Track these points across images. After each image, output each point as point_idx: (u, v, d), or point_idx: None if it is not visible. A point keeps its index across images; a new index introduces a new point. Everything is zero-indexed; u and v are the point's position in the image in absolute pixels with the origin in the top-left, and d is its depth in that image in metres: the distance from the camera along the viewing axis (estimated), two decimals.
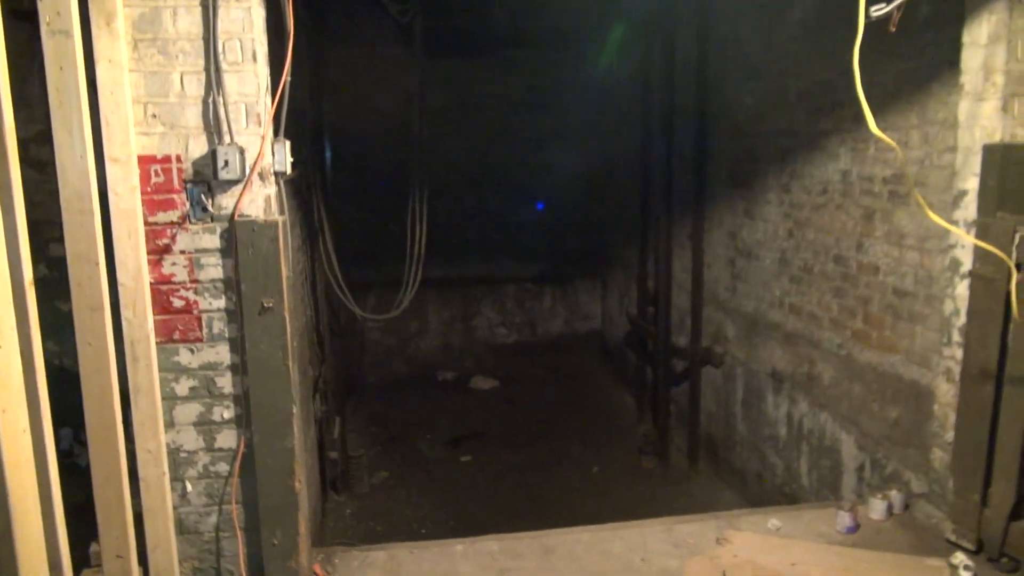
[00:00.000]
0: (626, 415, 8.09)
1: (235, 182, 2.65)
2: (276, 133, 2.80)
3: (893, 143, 3.05)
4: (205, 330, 2.78)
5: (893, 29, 2.43)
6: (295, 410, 2.91)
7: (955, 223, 3.18)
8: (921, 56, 3.81)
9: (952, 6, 3.43)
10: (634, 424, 7.84)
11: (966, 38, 3.09)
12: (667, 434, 6.84)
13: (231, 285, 2.75)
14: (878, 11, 2.37)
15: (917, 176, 3.86)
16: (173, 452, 2.91)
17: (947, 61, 3.61)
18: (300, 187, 5.65)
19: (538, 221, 9.67)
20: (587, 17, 6.71)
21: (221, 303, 2.78)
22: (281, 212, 2.89)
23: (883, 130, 4.14)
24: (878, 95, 4.12)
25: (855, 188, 4.39)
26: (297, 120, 5.57)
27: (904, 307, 4.00)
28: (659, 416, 7.01)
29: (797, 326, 5.09)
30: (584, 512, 5.81)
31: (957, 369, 3.18)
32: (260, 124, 2.67)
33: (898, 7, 2.33)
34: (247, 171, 2.66)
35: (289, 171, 2.82)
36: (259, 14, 2.69)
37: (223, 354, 2.83)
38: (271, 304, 2.75)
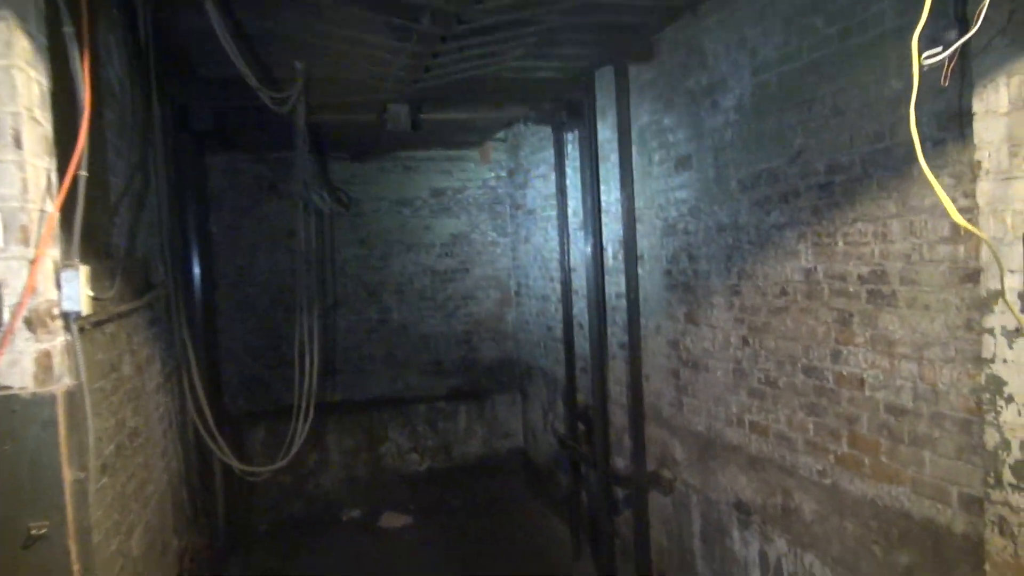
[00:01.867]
0: (560, 550, 7.10)
1: None
2: (68, 255, 1.87)
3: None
4: None
5: (945, 83, 1.81)
6: None
7: (987, 334, 2.53)
8: (894, 134, 3.28)
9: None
10: (570, 560, 6.86)
11: (977, 107, 2.53)
12: None
13: None
14: (930, 58, 1.74)
15: (903, 274, 3.27)
16: None
17: (929, 139, 3.09)
18: (158, 313, 4.62)
19: (448, 332, 8.82)
20: (491, 108, 6.11)
21: None
22: (73, 376, 1.93)
23: (852, 221, 3.58)
24: (842, 182, 3.58)
25: (823, 289, 3.77)
26: (150, 232, 4.59)
27: (903, 428, 3.33)
28: (600, 555, 6.07)
29: (763, 448, 4.36)
30: None
31: (1015, 520, 2.46)
32: (28, 242, 1.75)
33: (951, 56, 1.71)
34: (3, 318, 1.72)
35: (86, 310, 1.89)
36: (28, 79, 1.81)
37: None
38: (43, 530, 1.75)
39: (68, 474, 1.75)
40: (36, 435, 1.72)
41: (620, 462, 6.10)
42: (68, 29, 1.90)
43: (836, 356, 3.70)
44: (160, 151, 4.66)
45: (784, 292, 4.06)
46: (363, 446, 8.52)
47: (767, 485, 4.34)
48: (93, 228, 3.38)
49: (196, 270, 5.15)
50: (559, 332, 7.37)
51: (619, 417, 6.14)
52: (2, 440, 1.69)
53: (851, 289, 3.58)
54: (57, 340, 1.87)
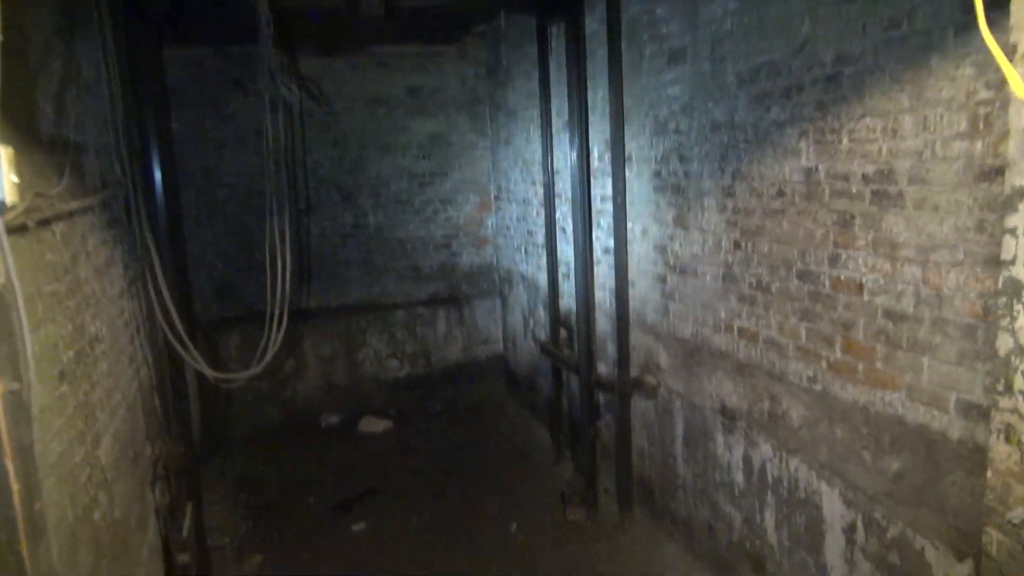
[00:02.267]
0: (541, 454, 7.12)
1: None
2: None
3: None
4: None
5: None
6: None
7: (1008, 235, 2.36)
8: (912, 21, 3.02)
9: None
10: (552, 464, 6.89)
11: None
12: (594, 480, 5.90)
13: None
14: None
15: (912, 173, 3.07)
16: None
17: (952, 24, 2.84)
18: (117, 214, 4.33)
19: (427, 237, 8.57)
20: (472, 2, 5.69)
21: None
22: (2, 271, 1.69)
23: (860, 117, 3.36)
24: (852, 74, 3.33)
25: (824, 189, 3.58)
26: (104, 128, 4.25)
27: (902, 333, 3.21)
28: (582, 458, 6.08)
29: (752, 355, 4.26)
30: None
31: (1023, 426, 2.36)
32: None
33: None
34: None
35: (11, 198, 1.64)
36: None
37: None
38: None
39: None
40: None
41: (603, 368, 6.02)
42: None
43: (834, 260, 3.54)
44: (110, 36, 4.25)
45: (781, 193, 3.87)
46: (341, 352, 8.40)
47: (754, 391, 4.27)
48: (30, 114, 3.06)
49: (156, 169, 4.82)
50: (540, 237, 7.17)
51: (603, 323, 6.03)
52: None
53: (854, 190, 3.39)
54: None
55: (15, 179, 1.66)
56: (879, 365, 3.35)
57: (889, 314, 3.27)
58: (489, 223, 8.79)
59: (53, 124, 3.39)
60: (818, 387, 3.75)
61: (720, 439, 4.66)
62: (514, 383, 8.69)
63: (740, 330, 4.36)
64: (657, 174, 5.10)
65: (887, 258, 3.24)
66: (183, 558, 4.36)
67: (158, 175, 4.85)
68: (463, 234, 8.70)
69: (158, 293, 4.44)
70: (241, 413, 8.01)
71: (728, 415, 4.55)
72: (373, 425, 7.99)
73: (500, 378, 8.92)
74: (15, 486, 1.56)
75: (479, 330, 8.85)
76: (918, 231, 3.07)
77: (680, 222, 4.88)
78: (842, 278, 3.51)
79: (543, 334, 7.37)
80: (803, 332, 3.82)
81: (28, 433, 1.64)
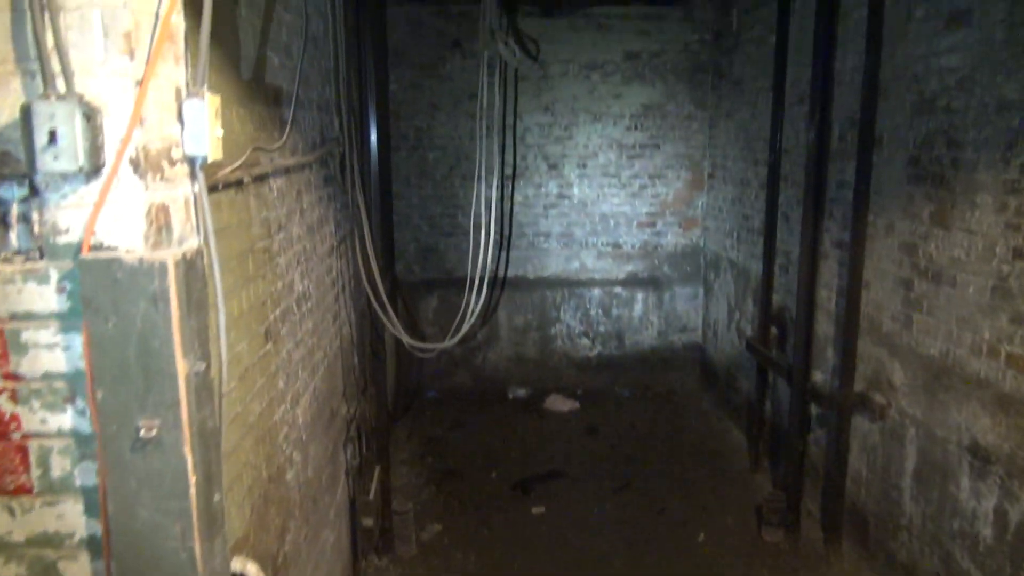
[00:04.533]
0: (736, 458, 6.57)
1: (78, 178, 1.32)
2: (195, 81, 1.45)
3: None
4: (36, 472, 1.48)
5: None
6: None
7: None
8: None
9: None
10: (747, 471, 6.32)
11: None
12: (798, 500, 5.30)
13: (85, 387, 1.43)
14: None
15: None
16: None
17: None
18: (332, 171, 4.35)
19: (631, 213, 8.16)
20: None
21: (67, 420, 1.47)
22: (198, 235, 1.54)
23: None
24: None
25: None
26: (326, 82, 4.25)
27: None
28: (785, 473, 5.48)
29: (1023, 388, 3.49)
30: None
31: None
32: (133, 55, 1.32)
33: None
34: (102, 155, 1.33)
35: (213, 155, 1.48)
36: None
37: (72, 519, 1.51)
38: (153, 431, 1.42)
39: (183, 365, 1.39)
40: (144, 313, 1.36)
41: (819, 376, 5.36)
42: None
43: None
44: None
45: None
46: (533, 326, 8.26)
47: (1020, 433, 3.51)
48: (258, 65, 3.02)
49: (373, 127, 4.81)
50: (758, 222, 6.52)
51: (823, 326, 5.35)
52: (106, 315, 1.36)
53: None
54: (178, 191, 1.49)
55: (220, 132, 1.51)
56: None
57: None
58: (699, 203, 8.21)
59: (279, 76, 3.37)
60: None
61: (966, 482, 3.92)
62: (711, 377, 8.12)
63: (1010, 357, 3.60)
64: (914, 160, 4.34)
65: None
66: (367, 522, 4.39)
67: (374, 135, 4.85)
68: (670, 213, 8.20)
69: (364, 255, 4.43)
70: (433, 375, 8.13)
71: (980, 456, 3.80)
72: (560, 403, 7.80)
73: (696, 369, 8.39)
74: (193, 477, 1.42)
75: (678, 316, 8.35)
76: None
77: (939, 220, 4.12)
78: None
79: (749, 329, 6.75)
80: None
81: (213, 417, 1.51)
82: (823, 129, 5.00)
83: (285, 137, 3.36)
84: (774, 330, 6.16)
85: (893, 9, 4.47)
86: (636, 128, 8.01)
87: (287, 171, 3.44)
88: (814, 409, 5.43)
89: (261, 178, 3.04)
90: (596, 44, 7.80)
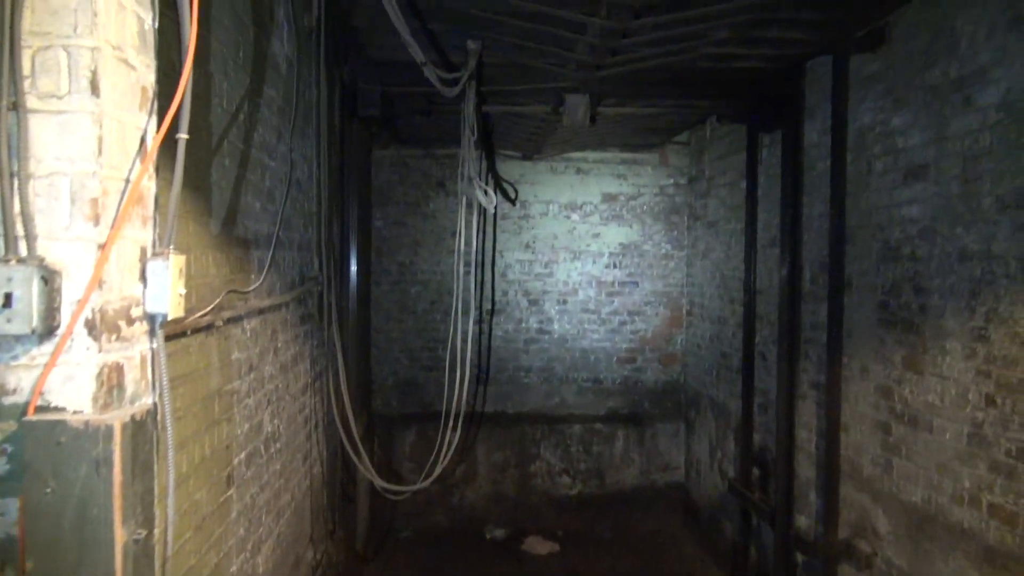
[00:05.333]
0: None
1: (31, 339, 1.32)
2: (162, 241, 1.47)
3: None
4: None
5: None
6: None
7: None
8: None
9: None
10: None
11: None
12: None
13: (16, 555, 1.36)
14: None
15: None
16: None
17: None
18: (311, 309, 4.37)
19: (611, 349, 8.19)
20: (679, 102, 5.44)
21: None
22: (153, 393, 1.51)
23: None
24: None
25: None
26: (308, 222, 4.34)
27: None
28: None
29: (1007, 540, 3.41)
30: None
31: None
32: (98, 221, 1.35)
33: None
34: (57, 317, 1.33)
35: (174, 312, 1.49)
36: (119, 8, 1.40)
37: None
38: None
39: (121, 534, 1.33)
40: (85, 478, 1.31)
41: (803, 521, 5.22)
42: None
43: None
44: (325, 135, 4.41)
45: None
46: (512, 462, 8.08)
47: None
48: (232, 212, 3.09)
49: (353, 266, 4.88)
50: (736, 361, 6.55)
51: (805, 468, 5.27)
52: (44, 480, 1.31)
53: None
54: (135, 349, 1.48)
55: (183, 291, 1.52)
56: None
57: None
58: (679, 339, 8.27)
59: (260, 220, 3.44)
60: None
61: None
62: (694, 518, 7.89)
63: (991, 506, 3.53)
64: (883, 305, 4.43)
65: None
66: None
67: (354, 273, 4.91)
68: (649, 349, 8.23)
69: (338, 395, 4.38)
70: (408, 514, 7.85)
71: None
72: (539, 546, 7.51)
73: (678, 509, 8.16)
74: None
75: (660, 454, 8.21)
76: None
77: (911, 364, 4.15)
78: None
79: (732, 469, 6.64)
80: None
81: None
82: (794, 272, 5.13)
83: (262, 279, 3.39)
84: (756, 471, 6.05)
85: (855, 163, 4.70)
86: (615, 266, 8.18)
87: (261, 312, 3.45)
88: (800, 557, 5.25)
89: (234, 320, 3.04)
90: (575, 186, 8.10)
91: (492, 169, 7.82)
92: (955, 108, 3.80)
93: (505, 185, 8.02)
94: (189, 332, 2.38)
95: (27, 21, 1.31)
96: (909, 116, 4.19)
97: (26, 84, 1.33)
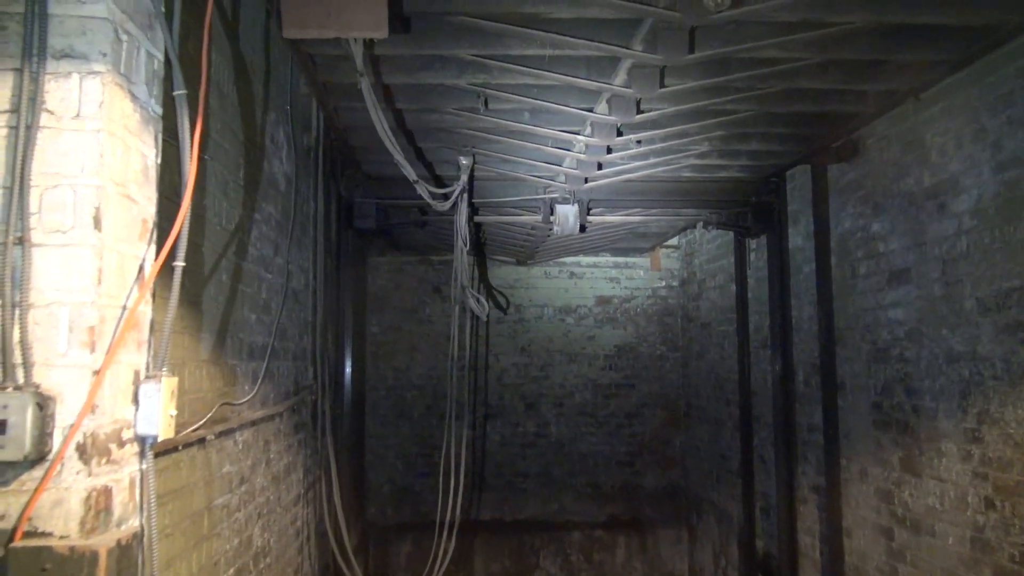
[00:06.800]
0: None
1: (22, 465, 1.34)
2: (155, 363, 1.52)
3: None
4: None
5: None
6: None
7: None
8: None
9: None
10: None
11: None
12: None
13: None
14: None
15: None
16: None
17: None
18: (305, 418, 4.36)
19: (609, 452, 8.09)
20: (666, 211, 5.61)
21: None
22: (140, 515, 1.53)
23: None
24: None
25: None
26: (303, 331, 4.39)
27: None
28: None
29: None
30: None
31: None
32: (94, 348, 1.40)
33: None
34: (49, 443, 1.36)
35: (164, 434, 1.52)
36: (125, 149, 1.50)
37: None
38: None
39: None
40: None
41: None
42: (179, 93, 1.65)
43: None
44: (322, 246, 4.52)
45: None
46: (511, 571, 7.83)
47: None
48: (229, 326, 3.14)
49: (347, 374, 4.91)
50: (735, 463, 6.47)
51: (810, 575, 5.13)
52: None
53: None
54: (123, 472, 1.50)
55: (174, 412, 1.56)
56: None
57: None
58: (677, 442, 8.19)
59: (255, 332, 3.49)
60: None
61: None
62: None
63: None
64: (877, 406, 4.44)
65: None
66: None
67: (348, 379, 4.93)
68: (648, 452, 8.14)
69: (331, 506, 4.32)
70: None
71: None
72: None
73: None
74: None
75: (663, 562, 7.97)
76: None
77: (909, 466, 4.13)
78: None
79: None
80: None
81: None
82: (787, 374, 5.16)
83: (255, 391, 3.41)
84: None
85: (839, 267, 4.81)
86: (611, 368, 8.20)
87: (254, 423, 3.45)
88: None
89: (226, 433, 3.04)
90: (568, 290, 8.21)
91: (484, 279, 7.96)
92: (931, 214, 3.94)
93: (498, 292, 8.13)
94: (180, 447, 2.39)
95: (37, 162, 1.41)
96: (888, 222, 4.33)
97: (33, 220, 1.41)
